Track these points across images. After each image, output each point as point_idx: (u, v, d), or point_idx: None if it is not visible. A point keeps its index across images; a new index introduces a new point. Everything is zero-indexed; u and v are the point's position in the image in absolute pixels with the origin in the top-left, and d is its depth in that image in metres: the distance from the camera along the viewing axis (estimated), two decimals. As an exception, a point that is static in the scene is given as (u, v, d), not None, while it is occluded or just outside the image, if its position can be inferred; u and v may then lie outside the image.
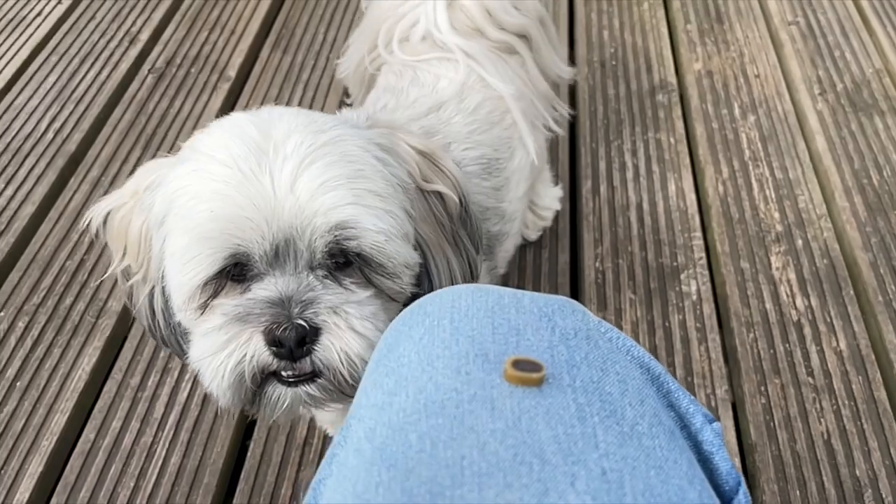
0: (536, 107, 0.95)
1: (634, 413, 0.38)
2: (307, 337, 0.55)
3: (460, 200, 0.64)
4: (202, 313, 0.58)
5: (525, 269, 1.18)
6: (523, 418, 0.35)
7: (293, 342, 0.54)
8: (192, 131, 1.39)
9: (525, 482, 0.32)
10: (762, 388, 1.04)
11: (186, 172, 0.57)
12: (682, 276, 1.17)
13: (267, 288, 0.56)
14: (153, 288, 0.63)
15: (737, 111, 1.44)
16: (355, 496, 0.34)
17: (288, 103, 1.45)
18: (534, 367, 0.37)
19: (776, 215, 1.25)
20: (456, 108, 0.83)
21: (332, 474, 0.38)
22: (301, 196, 0.53)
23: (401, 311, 0.46)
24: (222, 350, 0.56)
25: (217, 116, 1.44)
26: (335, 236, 0.54)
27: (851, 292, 1.14)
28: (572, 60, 1.55)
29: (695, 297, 1.14)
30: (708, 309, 1.13)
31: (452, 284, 0.57)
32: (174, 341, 0.66)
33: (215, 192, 0.54)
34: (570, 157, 1.36)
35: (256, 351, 0.55)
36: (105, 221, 0.64)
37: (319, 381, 0.57)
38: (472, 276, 0.66)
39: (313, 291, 0.56)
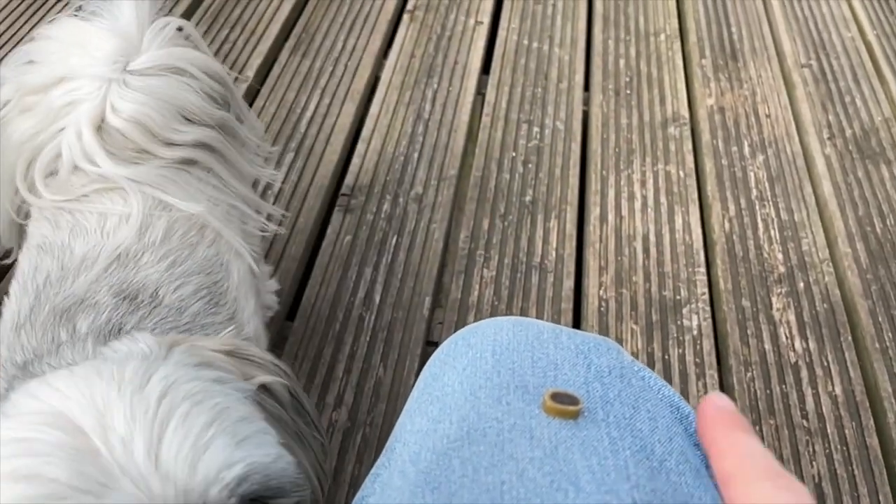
0: (240, 209, 0.81)
1: (663, 450, 0.39)
2: None
3: (287, 387, 0.51)
4: None
5: (529, 294, 1.19)
6: (560, 448, 0.36)
7: None
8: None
9: None
10: (757, 428, 1.05)
11: None
12: (685, 310, 1.19)
13: None
14: None
15: (746, 149, 1.46)
16: None
17: (304, 108, 1.46)
18: (571, 400, 0.38)
19: (780, 256, 1.27)
20: (140, 247, 0.67)
21: (374, 493, 0.39)
22: (178, 472, 0.38)
23: None
24: None
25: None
26: (246, 487, 0.40)
27: (850, 338, 1.16)
28: (587, 86, 1.57)
29: (695, 332, 1.16)
30: (708, 345, 1.14)
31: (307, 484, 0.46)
32: None
33: None
34: (580, 182, 1.38)
35: None
36: None
37: None
38: (322, 470, 0.53)
39: None
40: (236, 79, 1.51)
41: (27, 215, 0.76)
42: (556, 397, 0.38)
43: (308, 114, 1.46)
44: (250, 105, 1.47)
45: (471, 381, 0.40)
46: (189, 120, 0.75)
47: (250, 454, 0.40)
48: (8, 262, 0.84)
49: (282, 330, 1.11)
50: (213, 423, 0.40)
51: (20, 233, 0.79)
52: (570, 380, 0.40)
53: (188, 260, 0.69)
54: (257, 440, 0.42)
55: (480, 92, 1.54)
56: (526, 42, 1.66)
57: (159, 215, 0.70)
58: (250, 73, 1.52)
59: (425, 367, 0.46)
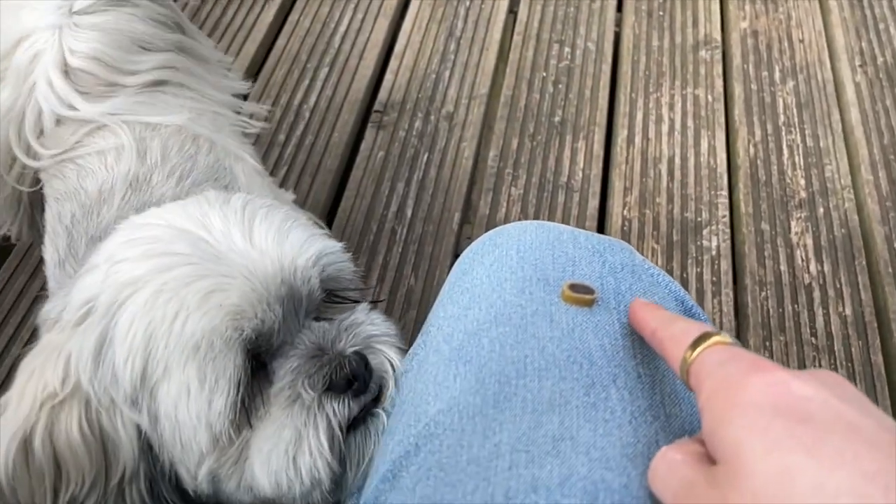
0: (226, 116, 0.84)
1: None
2: (366, 364, 0.51)
3: None
4: (243, 433, 0.49)
5: (555, 212, 1.24)
6: (576, 330, 0.41)
7: (364, 372, 0.50)
8: (243, 43, 1.43)
9: (576, 376, 0.39)
10: (767, 344, 1.11)
11: (146, 298, 0.47)
12: (705, 232, 1.23)
13: (297, 351, 0.50)
14: (125, 491, 0.50)
15: (777, 75, 1.46)
16: (436, 384, 0.41)
17: (338, 23, 1.48)
18: (587, 290, 0.43)
19: (802, 182, 1.30)
20: (146, 170, 0.70)
21: (412, 368, 0.45)
22: (270, 248, 0.49)
23: None
24: (305, 431, 0.48)
25: (269, 29, 1.46)
26: (322, 269, 0.51)
27: (864, 262, 1.20)
28: (619, 7, 1.57)
29: (714, 253, 1.20)
30: (725, 265, 1.19)
31: None
32: None
33: (205, 290, 0.47)
34: (608, 104, 1.40)
35: (337, 407, 0.49)
36: (15, 464, 0.48)
37: (381, 400, 0.52)
38: None
39: (332, 328, 0.52)
40: (272, -7, 1.53)
41: (34, 182, 0.79)
42: (574, 287, 0.43)
43: (342, 29, 1.48)
44: (284, 20, 1.50)
45: (497, 274, 0.45)
46: (145, 49, 0.77)
47: (323, 242, 0.52)
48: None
49: (317, 239, 1.17)
50: (288, 220, 0.52)
51: (24, 215, 0.83)
52: (586, 274, 0.45)
53: (193, 171, 0.72)
54: (323, 237, 0.53)
55: (512, 10, 1.55)
56: (560, -40, 1.64)
57: (151, 136, 0.73)
58: (286, -13, 1.54)
59: (455, 265, 0.51)
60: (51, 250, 0.72)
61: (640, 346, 0.42)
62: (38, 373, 0.49)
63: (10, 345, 1.04)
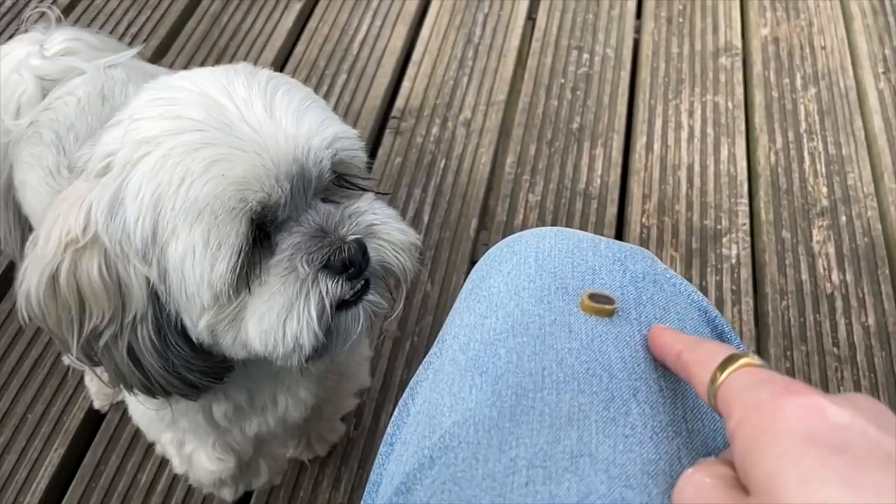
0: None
1: None
2: (365, 250, 0.54)
3: None
4: (241, 295, 0.53)
5: (573, 219, 1.23)
6: (596, 341, 0.41)
7: (360, 260, 0.53)
8: (262, 49, 1.44)
9: (595, 390, 0.38)
10: (788, 354, 1.09)
11: (154, 161, 0.49)
12: (724, 240, 1.21)
13: (301, 229, 0.53)
14: (137, 328, 0.54)
15: (798, 82, 1.44)
16: (451, 395, 0.40)
17: (356, 30, 1.49)
18: (607, 300, 0.42)
19: (824, 190, 1.28)
20: (112, 84, 0.75)
21: (427, 378, 0.44)
22: (287, 124, 0.51)
23: None
24: (297, 301, 0.52)
25: (288, 36, 1.47)
26: (335, 152, 0.53)
27: (887, 272, 1.18)
28: (639, 14, 1.56)
29: (734, 261, 1.19)
30: (745, 273, 1.17)
31: None
32: (177, 375, 0.57)
33: (209, 158, 0.49)
34: (627, 111, 1.39)
35: (330, 285, 0.53)
36: (44, 295, 0.53)
37: (372, 286, 0.56)
38: None
39: (337, 212, 0.55)
40: (289, 0, 1.53)
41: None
42: (594, 297, 0.42)
43: (360, 35, 1.48)
44: (303, 26, 1.50)
45: (515, 282, 0.44)
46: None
47: (339, 126, 0.54)
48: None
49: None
50: (308, 99, 0.54)
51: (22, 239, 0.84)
52: (606, 283, 0.44)
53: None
54: (340, 121, 0.56)
55: (531, 17, 1.54)
56: (579, -34, 1.64)
57: (111, 71, 0.77)
58: (305, -6, 1.54)
59: (472, 271, 0.50)
60: (34, 180, 0.74)
61: None
62: (62, 217, 0.53)
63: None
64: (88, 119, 0.73)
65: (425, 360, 0.47)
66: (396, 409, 0.46)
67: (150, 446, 0.96)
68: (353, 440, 0.99)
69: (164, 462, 0.95)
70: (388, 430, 0.46)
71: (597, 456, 0.35)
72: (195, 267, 0.50)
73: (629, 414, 0.37)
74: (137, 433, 0.97)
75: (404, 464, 0.41)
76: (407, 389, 0.46)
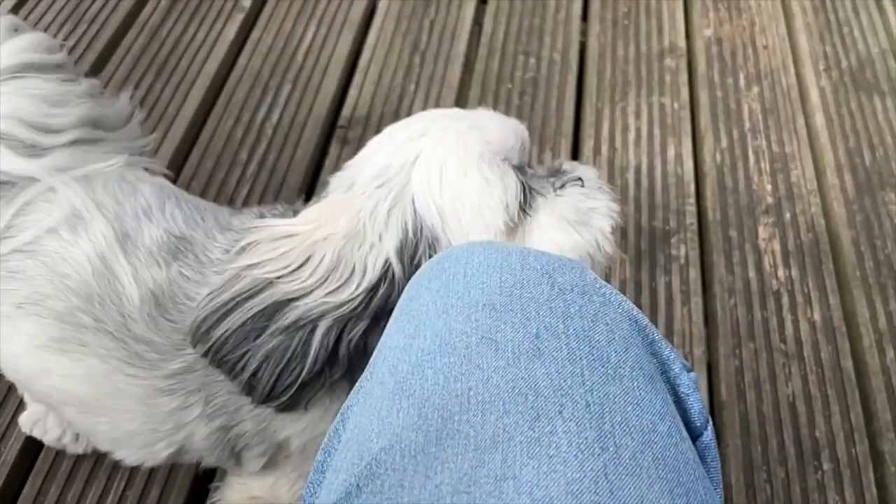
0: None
1: (619, 358, 0.43)
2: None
3: None
4: (524, 217, 0.66)
5: (523, 222, 1.23)
6: (522, 358, 0.40)
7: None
8: (204, 61, 1.41)
9: (521, 409, 0.37)
10: (736, 351, 1.10)
11: (429, 142, 0.65)
12: (673, 241, 1.22)
13: (534, 172, 0.70)
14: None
15: (742, 81, 1.47)
16: (379, 420, 0.39)
17: (301, 39, 1.47)
18: None
19: (768, 188, 1.30)
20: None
21: (358, 402, 0.43)
22: (513, 122, 0.71)
23: None
24: (591, 218, 0.69)
25: (230, 47, 1.44)
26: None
27: (831, 266, 1.20)
28: (584, 16, 1.57)
29: (682, 261, 1.20)
30: (694, 273, 1.18)
31: None
32: (314, 377, 0.61)
33: (468, 126, 0.66)
34: (574, 115, 1.39)
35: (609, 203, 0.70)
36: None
37: None
38: None
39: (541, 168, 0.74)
40: (232, 9, 1.51)
41: None
42: None
43: (305, 44, 1.46)
44: (246, 37, 1.48)
45: (443, 300, 0.44)
46: (61, 104, 0.71)
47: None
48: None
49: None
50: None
51: None
52: (534, 297, 0.43)
53: (156, 206, 0.70)
54: None
55: (478, 22, 1.54)
56: (524, -29, 1.64)
57: (93, 188, 0.68)
58: (246, 2, 1.52)
59: (404, 291, 0.49)
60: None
61: (590, 372, 0.41)
62: (331, 219, 0.62)
63: None
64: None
65: (357, 384, 0.46)
66: (327, 436, 0.45)
67: (91, 475, 0.94)
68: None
69: (105, 490, 0.92)
70: (319, 456, 0.45)
71: (521, 478, 0.34)
72: (492, 196, 0.63)
73: (554, 433, 0.36)
74: (77, 462, 0.94)
75: (334, 492, 0.40)
76: (338, 414, 0.45)
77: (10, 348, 0.66)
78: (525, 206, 0.65)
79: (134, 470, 0.94)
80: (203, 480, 0.95)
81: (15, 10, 1.47)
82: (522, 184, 0.64)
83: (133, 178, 0.71)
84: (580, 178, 0.70)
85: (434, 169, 0.62)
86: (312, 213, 0.65)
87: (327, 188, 0.70)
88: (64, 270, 0.64)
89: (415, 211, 0.62)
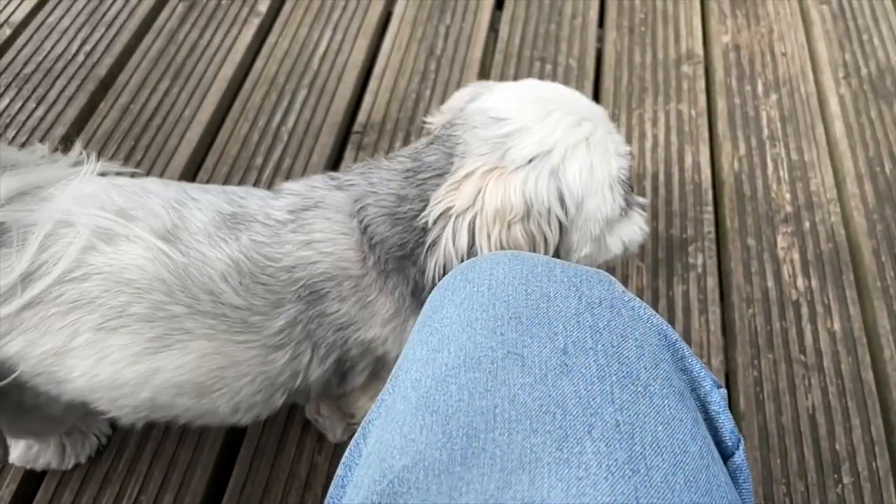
0: None
1: (648, 375, 0.42)
2: None
3: None
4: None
5: (538, 229, 1.22)
6: (549, 375, 0.39)
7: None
8: (220, 66, 1.41)
9: (548, 428, 0.36)
10: (755, 362, 1.09)
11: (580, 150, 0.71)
12: (690, 249, 1.21)
13: None
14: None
15: (760, 88, 1.45)
16: (402, 436, 0.38)
17: (317, 45, 1.47)
18: None
19: (787, 196, 1.28)
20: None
21: (379, 416, 0.42)
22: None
23: None
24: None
25: (246, 52, 1.44)
26: None
27: (851, 277, 1.18)
28: (601, 23, 1.56)
29: (700, 270, 1.18)
30: (711, 282, 1.17)
31: None
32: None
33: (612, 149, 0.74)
34: (591, 121, 1.38)
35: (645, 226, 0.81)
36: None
37: None
38: None
39: None
40: (248, 15, 1.51)
41: None
42: None
43: (321, 50, 1.46)
44: (262, 42, 1.48)
45: (468, 313, 0.43)
46: None
47: None
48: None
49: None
50: None
51: None
52: (561, 311, 0.43)
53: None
54: None
55: (494, 28, 1.54)
56: (540, -24, 1.63)
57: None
58: (263, 7, 1.52)
59: (427, 302, 0.48)
60: None
61: (620, 390, 0.40)
62: (498, 193, 0.67)
63: None
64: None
65: (378, 397, 0.45)
66: (348, 449, 0.44)
67: (105, 480, 0.93)
68: (315, 465, 0.96)
69: (119, 496, 0.91)
70: (339, 471, 0.44)
71: (549, 502, 0.33)
72: (606, 206, 0.71)
73: (583, 453, 0.35)
74: (91, 467, 0.93)
75: (355, 508, 0.39)
76: (359, 428, 0.44)
77: (106, 369, 0.64)
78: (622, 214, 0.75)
79: (148, 474, 0.94)
80: (218, 485, 0.95)
81: (33, 13, 1.48)
82: (624, 211, 0.74)
83: (125, 182, 0.70)
84: (645, 206, 0.80)
85: (585, 168, 0.69)
86: (468, 185, 0.68)
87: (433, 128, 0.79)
88: (127, 277, 0.62)
89: (561, 199, 0.69)
